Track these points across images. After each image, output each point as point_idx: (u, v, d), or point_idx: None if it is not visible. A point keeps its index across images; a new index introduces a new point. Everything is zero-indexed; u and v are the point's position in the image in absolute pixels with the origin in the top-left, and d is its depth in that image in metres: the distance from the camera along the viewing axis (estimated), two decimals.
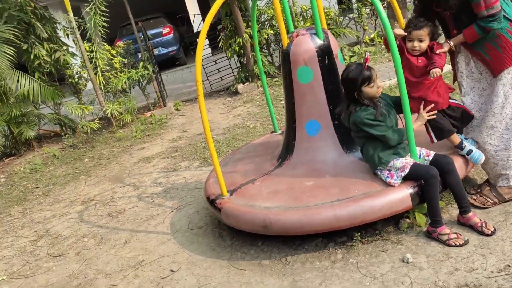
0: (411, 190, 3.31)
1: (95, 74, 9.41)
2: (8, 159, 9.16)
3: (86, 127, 9.13)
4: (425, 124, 3.57)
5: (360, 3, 10.89)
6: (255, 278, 3.43)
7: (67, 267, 4.35)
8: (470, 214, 3.34)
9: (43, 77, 9.41)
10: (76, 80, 9.90)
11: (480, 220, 3.31)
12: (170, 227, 4.58)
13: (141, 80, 10.10)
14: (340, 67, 3.99)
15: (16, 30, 8.60)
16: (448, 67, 5.75)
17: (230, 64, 10.98)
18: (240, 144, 6.46)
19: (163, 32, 16.73)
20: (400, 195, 3.31)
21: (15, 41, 8.62)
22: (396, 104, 3.55)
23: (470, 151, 3.54)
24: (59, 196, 6.45)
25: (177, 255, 4.04)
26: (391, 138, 3.38)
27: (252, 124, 7.47)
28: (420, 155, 3.49)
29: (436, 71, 3.34)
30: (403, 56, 3.46)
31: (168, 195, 5.40)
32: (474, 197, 3.63)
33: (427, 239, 3.35)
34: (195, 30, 17.05)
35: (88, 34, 9.54)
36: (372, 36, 10.93)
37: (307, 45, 3.97)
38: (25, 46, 9.12)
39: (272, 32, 10.27)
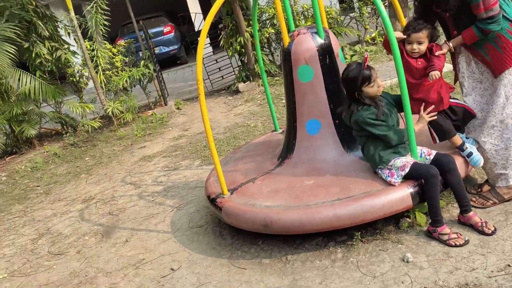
0: (411, 190, 3.31)
1: (96, 72, 9.42)
2: (9, 158, 9.17)
3: (87, 125, 9.14)
4: (428, 125, 3.58)
5: (361, 2, 10.87)
6: (255, 277, 3.44)
7: (68, 265, 4.35)
8: (471, 213, 3.34)
9: (44, 76, 9.42)
10: (77, 78, 9.91)
11: (481, 220, 3.31)
12: (170, 226, 4.59)
13: (142, 78, 10.10)
14: (341, 66, 3.99)
15: (18, 28, 8.60)
16: (449, 67, 5.75)
17: (231, 63, 10.99)
18: (241, 143, 6.46)
19: (164, 31, 16.72)
20: (401, 195, 3.31)
21: (16, 40, 8.63)
22: (397, 103, 3.55)
23: (470, 154, 3.54)
24: (60, 194, 6.46)
25: (178, 253, 4.05)
26: (392, 138, 3.38)
27: (253, 123, 7.47)
28: (421, 154, 3.49)
29: (434, 73, 3.35)
30: (403, 58, 3.45)
31: (168, 194, 5.40)
32: (474, 198, 3.63)
33: (428, 238, 3.35)
34: (196, 29, 17.04)
35: (89, 33, 9.54)
36: (373, 35, 10.92)
37: (308, 44, 3.97)
38: (26, 45, 9.13)
39: (273, 31, 10.27)
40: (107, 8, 9.46)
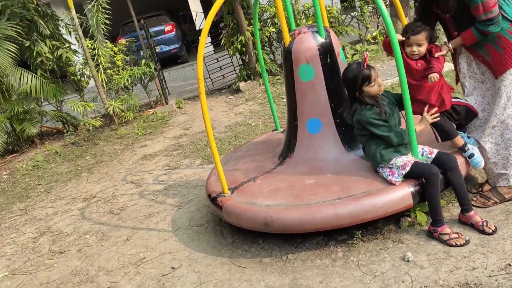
0: (412, 189, 3.31)
1: (97, 71, 9.42)
2: (10, 156, 9.18)
3: (88, 124, 9.15)
4: (430, 125, 3.58)
5: (363, 1, 10.87)
6: (255, 276, 3.44)
7: (69, 263, 4.36)
8: (472, 212, 3.34)
9: (45, 74, 9.43)
10: (78, 77, 9.93)
11: (481, 219, 3.31)
12: (171, 225, 4.59)
13: (143, 77, 10.11)
14: (342, 65, 3.99)
15: (19, 27, 8.62)
16: (450, 66, 5.75)
17: (232, 62, 10.99)
18: (242, 142, 6.46)
19: (166, 30, 16.73)
20: (401, 194, 3.31)
21: (17, 38, 8.65)
22: (399, 102, 3.55)
23: (472, 155, 3.54)
24: (61, 193, 6.47)
25: (178, 252, 4.05)
26: (393, 140, 3.39)
27: (253, 122, 7.48)
28: (422, 152, 3.49)
29: (433, 76, 3.35)
30: (403, 60, 3.46)
31: (169, 193, 5.41)
32: (475, 198, 3.63)
33: (428, 237, 3.35)
34: (197, 28, 17.04)
35: (90, 32, 9.55)
36: (374, 34, 10.91)
37: (309, 43, 3.96)
38: (27, 43, 9.14)
39: (274, 30, 10.27)
40: (108, 7, 9.47)
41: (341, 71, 3.79)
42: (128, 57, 10.13)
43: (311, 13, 10.32)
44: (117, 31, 15.43)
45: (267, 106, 8.00)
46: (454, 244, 3.18)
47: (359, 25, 11.29)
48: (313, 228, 3.43)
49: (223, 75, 11.20)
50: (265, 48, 10.57)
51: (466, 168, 3.56)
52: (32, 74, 9.11)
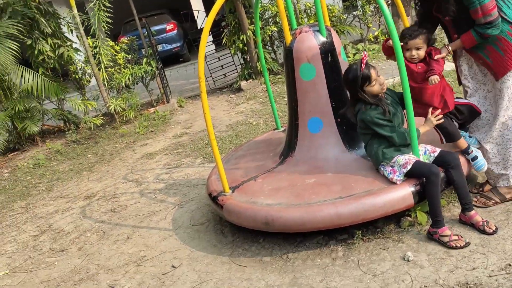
0: (412, 188, 3.31)
1: (99, 70, 9.42)
2: (11, 154, 9.19)
3: (90, 122, 9.15)
4: (434, 127, 3.58)
5: (364, 0, 10.85)
6: (256, 275, 3.44)
7: (69, 262, 4.37)
8: (472, 212, 3.34)
9: (47, 73, 9.44)
10: (80, 75, 9.93)
11: (482, 219, 3.31)
12: (172, 223, 4.60)
13: (144, 76, 10.11)
14: (343, 65, 3.99)
15: (20, 25, 8.62)
16: (451, 66, 5.74)
17: (233, 61, 10.99)
18: (243, 141, 6.47)
19: (167, 29, 16.73)
20: (402, 193, 3.31)
21: (19, 36, 8.64)
22: (402, 101, 3.55)
23: (475, 158, 3.54)
24: (62, 191, 6.48)
25: (179, 251, 4.05)
26: (396, 140, 3.39)
27: (255, 121, 7.48)
28: (425, 151, 3.49)
29: (434, 78, 3.36)
30: None
31: (170, 191, 5.41)
32: (475, 198, 3.63)
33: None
34: (199, 27, 17.05)
35: (92, 30, 9.55)
36: (376, 33, 10.90)
37: (310, 42, 3.96)
38: (29, 42, 9.15)
39: (275, 29, 10.27)
40: (109, 5, 9.47)
41: (343, 70, 3.80)
42: (130, 55, 10.13)
43: (313, 12, 10.31)
44: (118, 30, 15.44)
45: (268, 105, 7.99)
46: (454, 246, 3.17)
47: (360, 24, 11.27)
48: (314, 227, 3.43)
49: (224, 74, 11.20)
50: (267, 47, 10.57)
51: (468, 168, 3.56)
52: (33, 72, 9.11)
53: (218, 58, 11.23)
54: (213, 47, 14.31)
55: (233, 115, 8.37)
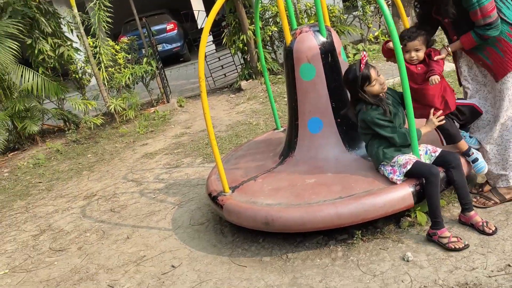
0: (412, 189, 3.31)
1: (99, 69, 9.43)
2: (11, 154, 9.19)
3: (90, 122, 9.15)
4: (435, 128, 3.58)
5: (365, 0, 10.85)
6: (255, 275, 3.44)
7: (69, 261, 4.37)
8: (472, 212, 3.34)
9: (47, 72, 9.44)
10: (80, 75, 9.93)
11: (481, 219, 3.31)
12: (171, 223, 4.60)
13: (144, 76, 10.11)
14: (343, 65, 3.99)
15: (20, 24, 8.61)
16: (451, 66, 5.74)
17: (233, 61, 10.99)
18: (243, 141, 6.47)
19: (167, 28, 16.73)
20: (402, 193, 3.31)
21: (19, 36, 8.64)
22: (403, 100, 3.55)
23: (476, 160, 3.54)
24: (62, 191, 6.48)
25: (178, 251, 4.05)
26: (397, 141, 3.39)
27: (255, 121, 7.48)
28: (426, 151, 3.49)
29: (434, 78, 3.36)
30: None
31: (170, 191, 5.41)
32: (475, 198, 3.63)
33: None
34: (199, 27, 17.04)
35: (92, 30, 9.55)
36: (376, 34, 10.90)
37: (310, 42, 3.96)
38: (29, 41, 9.15)
39: (276, 29, 10.26)
40: (110, 5, 9.47)
41: (343, 70, 3.80)
42: (130, 55, 10.14)
43: (313, 13, 10.31)
44: (119, 30, 15.44)
45: (269, 105, 7.99)
46: (453, 247, 3.16)
47: (361, 24, 11.27)
48: (314, 227, 3.43)
49: (224, 74, 11.20)
50: (267, 47, 10.57)
51: (468, 168, 3.56)
52: (33, 72, 9.11)
53: (218, 58, 11.23)
54: (213, 47, 14.31)
55: (233, 115, 8.38)
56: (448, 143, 3.61)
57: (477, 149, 3.63)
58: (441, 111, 3.49)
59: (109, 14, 9.49)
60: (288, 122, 4.37)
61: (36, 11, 9.05)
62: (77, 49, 9.88)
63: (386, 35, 10.46)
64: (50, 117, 9.85)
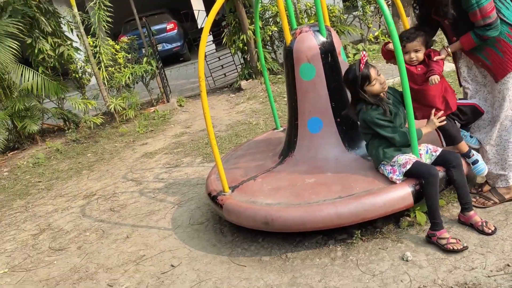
0: (412, 189, 3.31)
1: (99, 69, 9.42)
2: (11, 153, 9.19)
3: (90, 122, 9.15)
4: (436, 129, 3.58)
5: (365, 0, 10.86)
6: (255, 274, 3.45)
7: (69, 261, 4.37)
8: (471, 212, 3.35)
9: (47, 72, 9.44)
10: (80, 75, 9.93)
11: (481, 219, 3.31)
12: (171, 223, 4.60)
13: (144, 75, 10.11)
14: (343, 65, 3.99)
15: (20, 24, 8.61)
16: (451, 66, 5.74)
17: (233, 61, 10.99)
18: (243, 140, 6.47)
19: (167, 28, 16.73)
20: (402, 193, 3.31)
21: (19, 35, 8.64)
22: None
23: (476, 161, 3.54)
24: (62, 190, 6.48)
25: (178, 250, 4.06)
26: (397, 141, 3.39)
27: (254, 121, 7.48)
28: (427, 150, 3.50)
29: (434, 78, 3.36)
30: None
31: (170, 191, 5.41)
32: (474, 198, 3.63)
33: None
34: (199, 26, 17.04)
35: (92, 29, 9.54)
36: (376, 34, 10.90)
37: (310, 42, 3.96)
38: (29, 40, 9.14)
39: (276, 29, 10.26)
40: (110, 4, 9.47)
41: (343, 70, 3.80)
42: (130, 55, 10.13)
43: (313, 13, 10.31)
44: (119, 29, 15.44)
45: (268, 105, 7.99)
46: (451, 248, 3.15)
47: (361, 24, 11.27)
48: (314, 227, 3.43)
49: (224, 74, 11.20)
50: (267, 47, 10.57)
51: (467, 168, 3.56)
52: (33, 71, 9.11)
53: (218, 57, 11.23)
54: (213, 46, 14.30)
55: (233, 114, 8.38)
56: (448, 144, 3.62)
57: (478, 149, 3.64)
58: (442, 112, 3.49)
59: (109, 14, 9.49)
60: (288, 122, 4.37)
61: (36, 10, 9.05)
62: (77, 49, 9.88)
63: (386, 35, 10.46)
64: (50, 117, 9.85)
